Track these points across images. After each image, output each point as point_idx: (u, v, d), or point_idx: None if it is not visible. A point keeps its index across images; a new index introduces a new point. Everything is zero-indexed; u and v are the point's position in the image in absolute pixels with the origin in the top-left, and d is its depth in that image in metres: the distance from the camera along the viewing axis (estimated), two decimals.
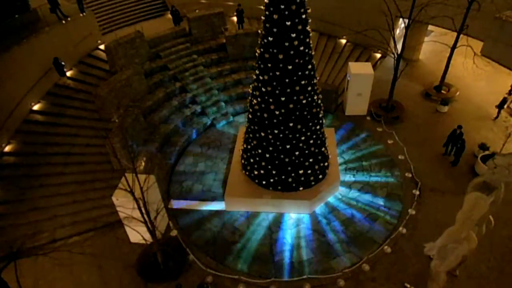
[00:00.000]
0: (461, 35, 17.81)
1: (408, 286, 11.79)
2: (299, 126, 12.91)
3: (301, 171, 13.83)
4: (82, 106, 17.93)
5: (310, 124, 13.18)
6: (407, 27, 16.76)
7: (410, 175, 15.56)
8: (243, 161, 15.07)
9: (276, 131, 12.98)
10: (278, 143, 13.21)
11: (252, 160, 14.23)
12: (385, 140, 17.38)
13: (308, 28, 11.76)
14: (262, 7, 11.75)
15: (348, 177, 15.71)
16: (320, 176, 14.63)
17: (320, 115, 13.71)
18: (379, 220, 14.00)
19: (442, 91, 19.98)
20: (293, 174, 13.85)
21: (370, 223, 13.90)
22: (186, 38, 20.94)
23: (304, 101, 12.59)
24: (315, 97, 13.06)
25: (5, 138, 16.00)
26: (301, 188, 14.28)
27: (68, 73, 19.13)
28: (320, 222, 14.07)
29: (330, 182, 14.75)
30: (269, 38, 11.61)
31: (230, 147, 17.17)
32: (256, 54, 12.53)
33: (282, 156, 13.46)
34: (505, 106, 18.04)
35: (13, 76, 16.47)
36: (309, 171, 14.03)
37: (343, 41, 23.93)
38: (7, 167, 15.54)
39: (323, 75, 21.68)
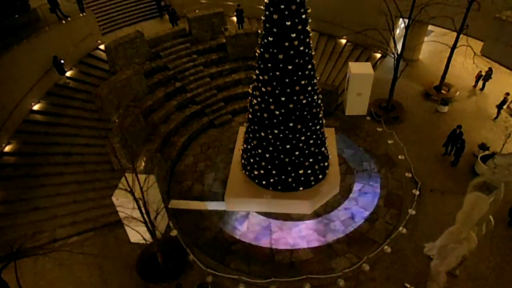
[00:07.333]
0: (461, 35, 17.80)
1: (408, 286, 11.79)
2: (299, 126, 12.91)
3: (301, 171, 13.83)
4: (82, 106, 17.93)
5: (310, 124, 13.18)
6: (407, 27, 16.76)
7: (410, 175, 15.56)
8: (243, 161, 15.07)
9: (276, 131, 12.98)
10: (278, 143, 13.21)
11: (252, 160, 14.24)
12: (385, 140, 17.38)
13: (308, 28, 11.77)
14: (262, 7, 11.75)
15: (348, 177, 15.71)
16: (320, 176, 14.63)
17: (320, 115, 13.71)
18: (379, 220, 14.01)
19: (442, 91, 19.98)
20: (293, 174, 13.85)
21: (370, 223, 13.90)
22: (186, 38, 20.93)
23: (304, 101, 12.60)
24: (315, 97, 13.06)
25: (5, 138, 15.99)
26: (301, 188, 14.28)
27: (68, 73, 19.12)
28: (320, 222, 14.07)
29: (330, 182, 14.76)
30: (269, 38, 11.61)
31: (230, 147, 17.17)
32: (256, 54, 12.52)
33: (282, 156, 13.46)
34: (505, 106, 18.05)
35: (13, 76, 16.46)
36: (309, 171, 14.03)
37: (343, 41, 23.93)
38: (7, 167, 15.52)
39: (323, 75, 21.69)
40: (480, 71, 19.62)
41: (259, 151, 13.72)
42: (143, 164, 15.05)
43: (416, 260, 12.51)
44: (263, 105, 12.79)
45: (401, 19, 19.06)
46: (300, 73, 12.09)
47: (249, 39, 20.24)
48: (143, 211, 10.63)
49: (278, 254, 13.06)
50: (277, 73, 12.00)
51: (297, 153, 13.41)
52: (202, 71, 20.23)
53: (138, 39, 18.86)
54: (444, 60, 19.33)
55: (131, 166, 10.28)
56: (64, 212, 14.35)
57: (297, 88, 12.25)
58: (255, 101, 13.09)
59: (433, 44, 20.61)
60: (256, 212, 14.55)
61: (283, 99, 12.35)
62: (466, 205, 9.44)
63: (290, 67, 11.84)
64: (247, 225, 14.13)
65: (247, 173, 14.94)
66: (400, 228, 13.48)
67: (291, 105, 12.48)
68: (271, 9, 11.18)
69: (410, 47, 21.25)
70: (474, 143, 16.35)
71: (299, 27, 11.39)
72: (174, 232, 13.88)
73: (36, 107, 17.54)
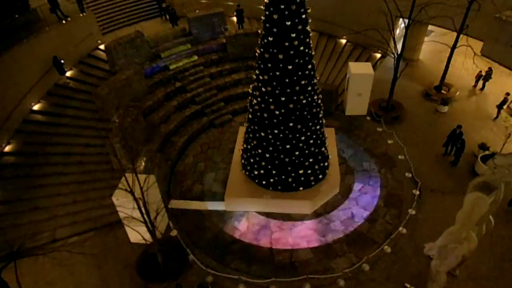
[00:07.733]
0: (461, 35, 17.81)
1: (408, 286, 11.79)
2: (299, 126, 12.92)
3: (301, 171, 13.84)
4: (82, 106, 17.93)
5: (310, 124, 13.19)
6: (407, 27, 16.76)
7: (410, 175, 15.56)
8: (243, 161, 15.08)
9: (276, 131, 12.98)
10: (278, 143, 13.22)
11: (252, 160, 14.24)
12: (385, 140, 17.38)
13: (308, 28, 11.77)
14: (262, 7, 11.75)
15: (348, 177, 15.71)
16: (320, 176, 14.63)
17: (320, 115, 13.71)
18: (379, 220, 14.00)
19: (442, 91, 19.97)
20: (293, 174, 13.86)
21: (370, 223, 13.90)
22: (186, 38, 20.95)
23: (304, 101, 12.60)
24: (315, 97, 13.07)
25: (5, 138, 15.99)
26: (301, 188, 14.28)
27: (68, 73, 19.13)
28: (320, 222, 14.07)
29: (330, 182, 14.76)
30: (269, 38, 11.61)
31: (230, 147, 17.17)
32: (256, 54, 12.53)
33: (282, 156, 13.46)
34: (505, 106, 18.05)
35: (13, 76, 16.47)
36: (309, 171, 14.03)
37: (343, 41, 23.93)
38: (7, 167, 15.52)
39: (323, 75, 21.68)
40: (480, 71, 19.62)
41: (259, 151, 13.72)
42: (143, 164, 15.06)
43: (416, 260, 12.51)
44: (263, 105, 12.80)
45: (401, 19, 19.05)
46: (300, 73, 12.10)
47: (249, 39, 20.22)
48: (143, 211, 10.62)
49: (278, 254, 13.06)
50: (277, 73, 12.00)
51: (297, 153, 13.41)
52: (202, 71, 20.23)
53: (138, 39, 18.86)
54: (444, 60, 19.32)
55: (131, 166, 10.28)
56: (64, 212, 14.34)
57: (297, 88, 12.26)
58: (255, 101, 13.09)
59: (433, 44, 20.61)
60: (256, 212, 14.55)
61: (283, 99, 12.35)
62: (466, 205, 9.44)
63: (290, 67, 11.84)
64: (247, 225, 14.13)
65: (247, 173, 14.94)
66: (400, 228, 13.47)
67: (291, 105, 12.48)
68: (271, 9, 11.18)
69: (410, 47, 21.25)
70: (474, 143, 16.34)
71: (299, 27, 11.39)
72: (174, 232, 13.88)
73: (36, 107, 17.54)
